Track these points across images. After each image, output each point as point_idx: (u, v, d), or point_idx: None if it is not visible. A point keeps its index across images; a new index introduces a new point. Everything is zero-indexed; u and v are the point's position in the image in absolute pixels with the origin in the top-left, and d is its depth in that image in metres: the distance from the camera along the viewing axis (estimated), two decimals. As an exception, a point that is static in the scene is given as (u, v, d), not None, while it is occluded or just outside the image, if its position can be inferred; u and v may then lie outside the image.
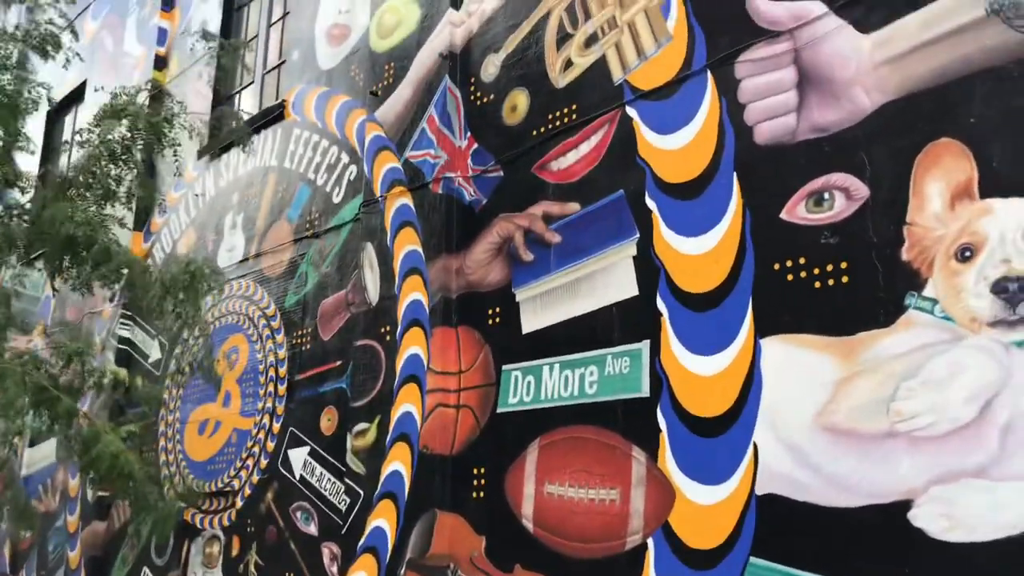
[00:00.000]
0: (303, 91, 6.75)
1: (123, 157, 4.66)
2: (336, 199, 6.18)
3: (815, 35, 3.63)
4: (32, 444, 8.46)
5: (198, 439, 6.85)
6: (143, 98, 4.86)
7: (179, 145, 5.20)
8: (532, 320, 4.55)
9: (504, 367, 4.63)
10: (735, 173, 3.82)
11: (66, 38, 5.12)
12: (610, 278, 4.22)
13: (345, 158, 6.19)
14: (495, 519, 4.48)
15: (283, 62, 7.26)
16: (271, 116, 6.95)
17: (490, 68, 5.22)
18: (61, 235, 4.25)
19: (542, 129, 4.80)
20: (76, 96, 10.11)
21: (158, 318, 4.62)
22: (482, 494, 4.59)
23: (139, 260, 4.72)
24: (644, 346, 3.98)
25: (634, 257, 4.14)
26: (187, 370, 6.15)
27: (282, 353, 6.24)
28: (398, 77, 5.69)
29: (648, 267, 4.06)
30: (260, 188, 6.95)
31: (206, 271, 4.74)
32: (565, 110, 4.69)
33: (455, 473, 4.71)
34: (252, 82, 7.59)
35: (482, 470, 4.61)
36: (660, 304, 3.97)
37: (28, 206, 4.71)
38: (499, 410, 4.60)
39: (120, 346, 7.80)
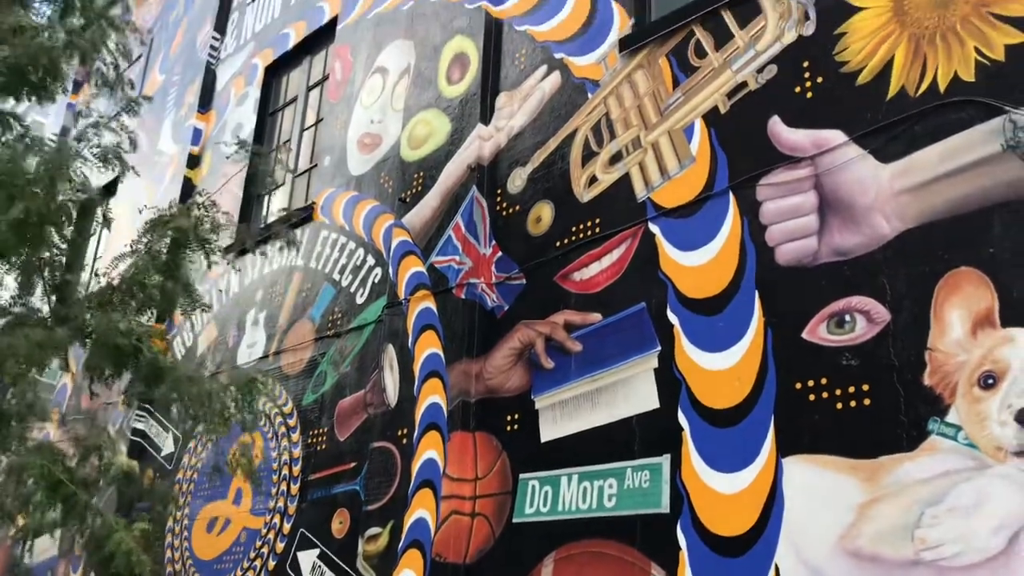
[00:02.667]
0: (332, 195, 6.96)
1: (167, 269, 4.80)
2: (360, 300, 6.29)
3: (835, 162, 3.77)
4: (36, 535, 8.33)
5: (206, 537, 6.76)
6: (192, 211, 5.03)
7: (222, 250, 5.36)
8: (551, 429, 4.56)
9: (521, 476, 4.61)
10: (756, 291, 3.90)
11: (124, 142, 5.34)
12: (631, 390, 4.24)
13: (371, 261, 6.33)
14: (507, 634, 4.37)
15: (314, 166, 7.51)
16: (300, 217, 7.14)
17: (517, 180, 5.40)
18: (108, 344, 4.35)
19: (565, 240, 4.93)
20: (108, 189, 10.42)
21: (217, 431, 4.66)
22: (495, 607, 4.49)
23: (187, 373, 4.80)
24: (665, 460, 3.97)
25: (655, 370, 4.18)
26: (224, 468, 6.12)
27: (297, 452, 6.22)
28: (427, 186, 5.88)
29: (669, 380, 4.10)
30: (284, 286, 7.08)
31: (260, 380, 4.84)
32: (589, 223, 4.83)
33: (468, 583, 4.62)
34: (283, 184, 7.83)
35: (495, 581, 4.53)
36: (681, 418, 3.98)
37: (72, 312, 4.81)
38: (515, 520, 4.55)
39: (133, 438, 7.79)
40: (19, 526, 4.92)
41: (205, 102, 9.42)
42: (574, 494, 4.30)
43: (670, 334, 4.18)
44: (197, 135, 9.28)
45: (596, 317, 4.56)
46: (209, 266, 5.17)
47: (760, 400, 3.72)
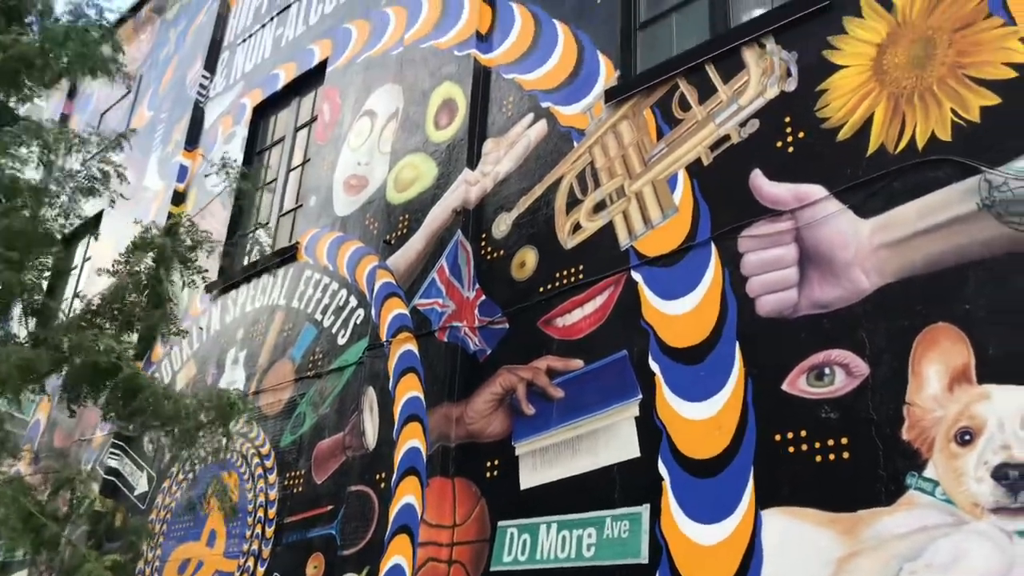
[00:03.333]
0: (317, 235, 6.97)
1: (148, 290, 4.79)
2: (341, 341, 6.26)
3: (816, 216, 3.83)
4: (1, 570, 8.14)
5: (177, 579, 6.62)
6: (172, 231, 5.05)
7: (206, 271, 5.35)
8: (531, 476, 4.53)
9: (500, 523, 4.56)
10: (737, 342, 3.93)
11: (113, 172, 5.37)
12: (612, 438, 4.24)
13: (353, 302, 6.33)
14: None
15: (299, 206, 7.53)
16: (284, 256, 7.14)
17: (502, 225, 5.43)
18: (86, 363, 4.31)
19: (549, 286, 4.95)
20: (91, 224, 10.39)
21: (185, 448, 4.61)
22: (470, 657, 4.41)
23: (164, 389, 4.76)
24: (644, 510, 3.95)
25: (636, 418, 4.18)
26: (198, 504, 6.03)
27: (273, 494, 6.14)
28: (412, 228, 5.91)
29: (650, 429, 4.09)
30: (266, 325, 7.05)
31: (238, 399, 4.80)
32: (572, 270, 4.86)
33: (443, 633, 4.55)
34: (267, 223, 7.84)
35: (471, 631, 4.46)
36: (661, 467, 3.98)
37: (49, 334, 4.78)
38: (492, 568, 4.49)
39: (107, 476, 7.66)
40: None
41: (192, 139, 9.45)
42: (553, 543, 4.26)
43: (652, 382, 4.19)
44: (183, 172, 9.29)
45: (578, 363, 4.56)
46: (186, 285, 5.17)
47: (740, 451, 3.72)
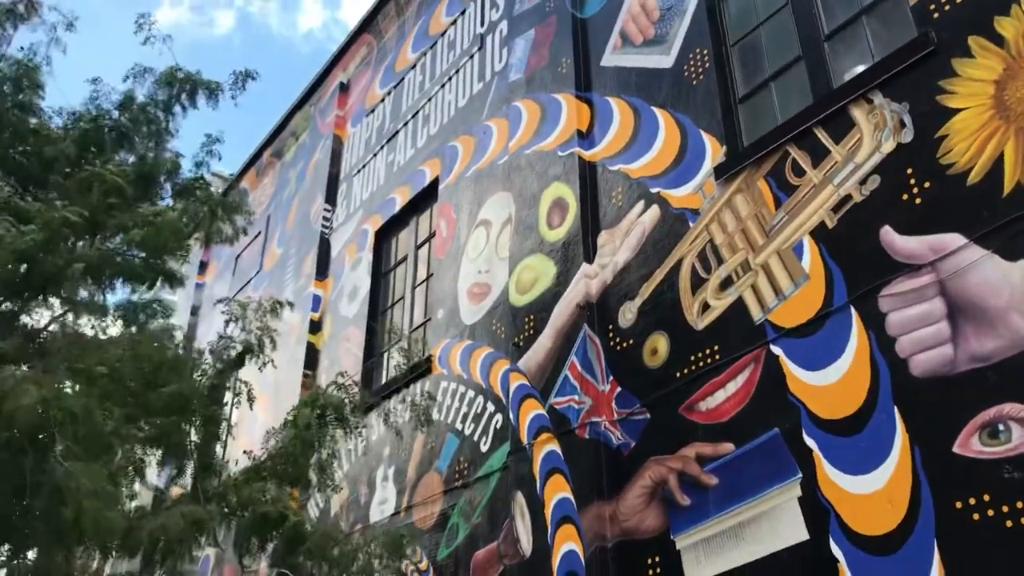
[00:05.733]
0: (448, 345, 7.15)
1: (314, 445, 5.04)
2: (484, 448, 6.32)
3: (958, 266, 3.66)
4: None
5: None
6: (332, 389, 5.32)
7: (366, 427, 5.59)
8: (696, 570, 4.37)
9: (670, 622, 4.40)
10: (896, 407, 3.73)
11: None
12: (776, 521, 4.06)
13: (491, 407, 6.40)
14: None
15: (428, 320, 7.77)
16: (419, 371, 7.34)
17: (627, 314, 5.43)
18: (255, 515, 4.53)
19: (685, 370, 4.87)
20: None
21: None
22: None
23: (331, 534, 4.94)
24: (823, 596, 3.73)
25: (799, 498, 4.00)
26: None
27: (436, 610, 6.14)
28: (538, 328, 5.98)
29: (815, 508, 3.90)
30: (410, 441, 7.20)
31: (405, 538, 4.93)
32: (707, 351, 4.78)
33: None
34: (400, 340, 8.11)
35: None
36: (834, 548, 3.76)
37: (220, 488, 5.06)
38: (669, 671, 4.31)
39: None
40: None
41: (322, 270, 9.97)
42: (730, 639, 4.06)
43: (809, 459, 4.01)
44: (317, 301, 9.78)
45: (728, 447, 4.43)
46: (347, 437, 5.38)
47: (918, 523, 3.49)
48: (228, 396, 11.31)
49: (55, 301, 5.38)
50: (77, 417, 3.88)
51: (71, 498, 3.84)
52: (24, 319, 5.21)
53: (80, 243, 5.13)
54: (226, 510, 4.80)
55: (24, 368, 4.16)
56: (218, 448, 10.20)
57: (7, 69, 6.05)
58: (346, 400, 5.20)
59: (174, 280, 6.59)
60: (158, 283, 6.47)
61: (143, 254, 5.52)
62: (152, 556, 4.70)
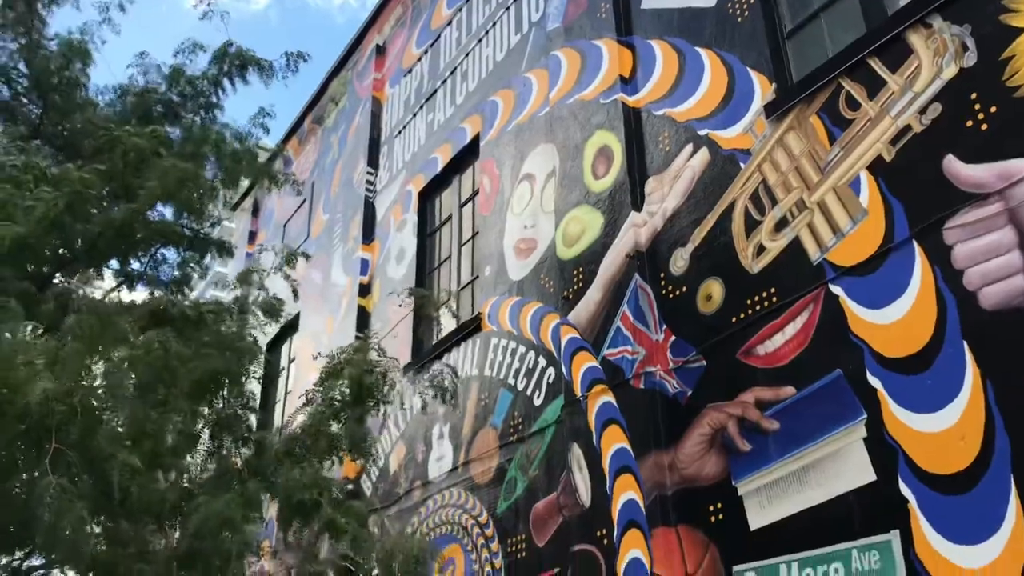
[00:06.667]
0: (497, 302, 7.12)
1: (343, 416, 5.11)
2: (537, 402, 6.31)
3: (1029, 192, 3.50)
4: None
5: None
6: (359, 357, 5.36)
7: (390, 403, 5.62)
8: (760, 515, 4.32)
9: (735, 568, 4.37)
10: (965, 342, 3.61)
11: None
12: (841, 464, 3.98)
13: (543, 362, 6.38)
14: None
15: (476, 278, 7.74)
16: (469, 329, 7.34)
17: (679, 262, 5.33)
18: (290, 500, 4.66)
19: (741, 315, 4.78)
20: (290, 327, 11.16)
21: None
22: None
23: (360, 532, 5.04)
24: (894, 537, 3.66)
25: (865, 439, 3.91)
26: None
27: (498, 562, 6.20)
28: (587, 281, 5.92)
29: (883, 449, 3.81)
30: (464, 397, 7.22)
31: (421, 546, 5.03)
32: (764, 294, 4.67)
33: None
34: (448, 299, 8.11)
35: None
36: (904, 489, 3.68)
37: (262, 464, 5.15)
38: (736, 615, 4.30)
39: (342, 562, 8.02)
40: None
41: (368, 233, 9.99)
42: (797, 583, 4.02)
43: (874, 399, 3.91)
44: (365, 265, 9.82)
45: (789, 391, 4.34)
46: (382, 413, 5.44)
47: (993, 460, 3.38)
48: (283, 361, 11.47)
49: (106, 270, 5.48)
50: (78, 414, 3.91)
51: (114, 476, 3.95)
52: (59, 286, 5.30)
53: (109, 206, 5.22)
54: (269, 487, 4.95)
55: (53, 342, 4.17)
56: (273, 413, 10.40)
57: (58, 47, 6.10)
58: (376, 370, 5.24)
59: (223, 249, 6.66)
60: (208, 255, 6.54)
61: (170, 212, 5.61)
62: (205, 534, 4.78)
